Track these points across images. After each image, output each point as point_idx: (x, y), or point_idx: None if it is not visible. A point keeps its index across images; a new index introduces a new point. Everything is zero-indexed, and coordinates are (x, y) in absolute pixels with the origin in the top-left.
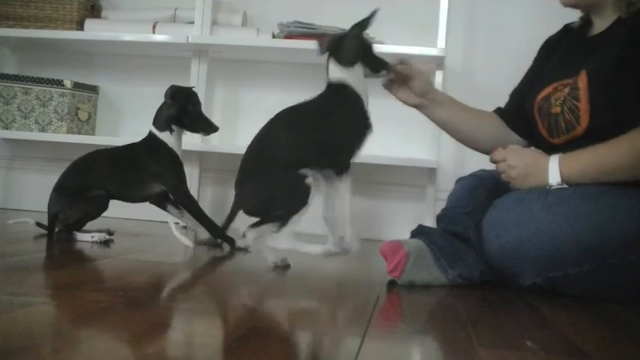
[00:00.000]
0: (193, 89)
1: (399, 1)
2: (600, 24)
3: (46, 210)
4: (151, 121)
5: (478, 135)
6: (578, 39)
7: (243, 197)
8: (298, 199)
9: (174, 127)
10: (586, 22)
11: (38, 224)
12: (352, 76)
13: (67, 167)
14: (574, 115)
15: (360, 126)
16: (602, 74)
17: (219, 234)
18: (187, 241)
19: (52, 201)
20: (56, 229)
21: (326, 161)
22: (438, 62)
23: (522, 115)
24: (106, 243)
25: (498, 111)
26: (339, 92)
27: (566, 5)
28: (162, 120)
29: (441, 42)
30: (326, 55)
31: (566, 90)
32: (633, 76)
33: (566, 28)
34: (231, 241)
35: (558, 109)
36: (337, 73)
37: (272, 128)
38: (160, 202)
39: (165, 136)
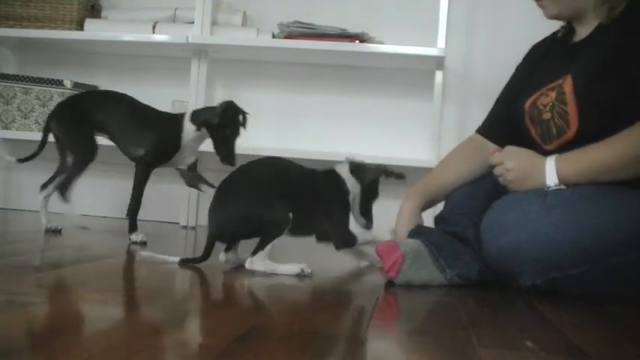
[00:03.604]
0: (247, 115)
1: (399, 1)
2: (583, 31)
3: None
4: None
5: (477, 174)
6: (562, 47)
7: (220, 221)
8: (278, 227)
9: (204, 130)
10: (569, 30)
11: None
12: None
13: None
14: (563, 119)
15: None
16: (587, 77)
17: (131, 215)
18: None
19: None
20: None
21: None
22: (438, 62)
23: (510, 127)
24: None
25: (484, 132)
26: (335, 182)
27: (550, 17)
28: (201, 118)
29: (441, 42)
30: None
31: (553, 95)
32: (619, 78)
33: (552, 37)
34: (132, 229)
35: (548, 115)
36: (344, 172)
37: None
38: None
39: (189, 128)
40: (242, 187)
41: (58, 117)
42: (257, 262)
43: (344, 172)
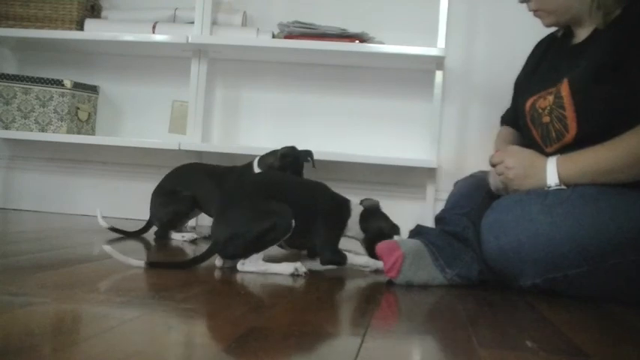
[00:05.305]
0: (311, 153)
1: (399, 1)
2: (581, 33)
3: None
4: (151, 121)
5: None
6: (561, 48)
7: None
8: (280, 232)
9: None
10: (569, 31)
11: (113, 229)
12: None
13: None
14: (562, 123)
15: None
16: (583, 81)
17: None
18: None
19: (151, 203)
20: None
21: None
22: (438, 62)
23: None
24: (193, 242)
25: (507, 122)
26: (341, 209)
27: (548, 26)
28: (266, 164)
29: (441, 42)
30: None
31: (550, 98)
32: (616, 81)
33: (553, 36)
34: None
35: (548, 119)
36: (356, 212)
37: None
38: None
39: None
40: (244, 205)
41: (153, 201)
42: (249, 264)
43: (355, 211)
